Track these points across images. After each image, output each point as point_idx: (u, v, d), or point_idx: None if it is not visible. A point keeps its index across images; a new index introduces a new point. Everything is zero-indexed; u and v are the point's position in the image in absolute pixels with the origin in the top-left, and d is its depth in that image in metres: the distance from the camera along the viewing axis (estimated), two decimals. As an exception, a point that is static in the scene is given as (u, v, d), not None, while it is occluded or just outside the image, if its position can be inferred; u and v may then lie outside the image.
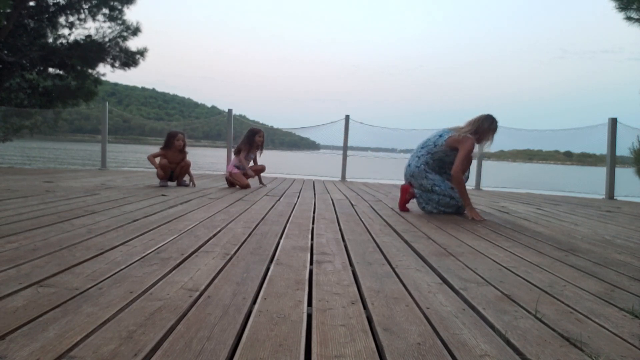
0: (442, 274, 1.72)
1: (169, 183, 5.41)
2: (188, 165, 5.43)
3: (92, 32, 11.28)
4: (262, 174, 6.07)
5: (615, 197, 7.25)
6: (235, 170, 5.57)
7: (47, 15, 10.94)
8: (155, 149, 5.51)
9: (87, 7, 11.05)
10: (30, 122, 10.91)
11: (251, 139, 5.69)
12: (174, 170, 5.37)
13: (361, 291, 1.45)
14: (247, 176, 5.60)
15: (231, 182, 5.57)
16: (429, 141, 3.79)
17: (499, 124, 3.80)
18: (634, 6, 7.66)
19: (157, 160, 5.31)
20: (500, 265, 1.93)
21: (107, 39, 11.22)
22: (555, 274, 1.80)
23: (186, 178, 5.53)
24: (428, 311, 1.28)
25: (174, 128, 6.00)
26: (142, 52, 11.66)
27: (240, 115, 10.40)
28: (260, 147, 5.81)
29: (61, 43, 11.22)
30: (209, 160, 11.17)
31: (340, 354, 0.97)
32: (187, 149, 5.54)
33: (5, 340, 0.97)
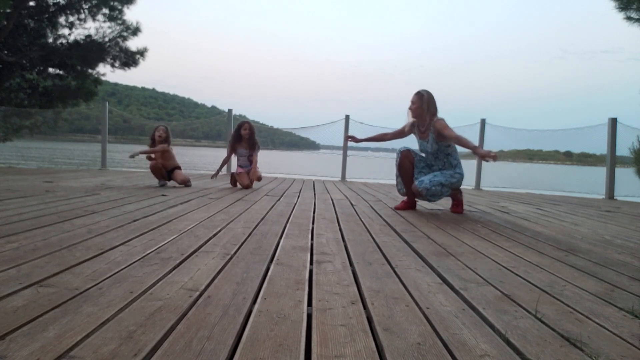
0: (442, 274, 1.72)
1: (168, 182, 5.41)
2: (165, 150, 5.25)
3: (92, 32, 11.30)
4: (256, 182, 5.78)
5: (615, 197, 7.25)
6: (240, 170, 5.57)
7: (47, 15, 10.94)
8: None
9: (87, 7, 11.05)
10: (30, 122, 10.92)
11: (237, 132, 5.58)
12: (170, 170, 5.36)
13: (361, 291, 1.45)
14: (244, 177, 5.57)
15: (235, 181, 5.58)
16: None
17: (499, 123, 3.89)
18: (634, 6, 7.66)
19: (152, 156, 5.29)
20: (500, 265, 1.93)
21: (107, 39, 11.23)
22: (555, 274, 1.80)
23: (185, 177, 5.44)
24: (428, 311, 1.28)
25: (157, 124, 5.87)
26: (142, 52, 11.67)
27: (240, 115, 10.41)
28: (249, 140, 5.52)
29: (61, 43, 11.22)
30: (208, 160, 11.17)
31: (340, 354, 0.97)
32: (186, 149, 5.52)
33: (5, 340, 0.97)
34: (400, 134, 3.99)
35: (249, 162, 5.61)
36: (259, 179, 5.79)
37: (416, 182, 3.71)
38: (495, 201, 5.27)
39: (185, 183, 5.29)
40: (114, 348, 0.95)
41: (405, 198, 3.95)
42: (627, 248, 2.51)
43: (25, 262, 1.61)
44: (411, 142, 3.98)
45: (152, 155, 5.28)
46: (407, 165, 3.85)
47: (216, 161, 10.48)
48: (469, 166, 8.04)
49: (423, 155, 3.89)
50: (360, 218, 3.22)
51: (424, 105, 3.71)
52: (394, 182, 4.08)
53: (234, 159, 5.98)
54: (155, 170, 5.26)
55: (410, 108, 3.78)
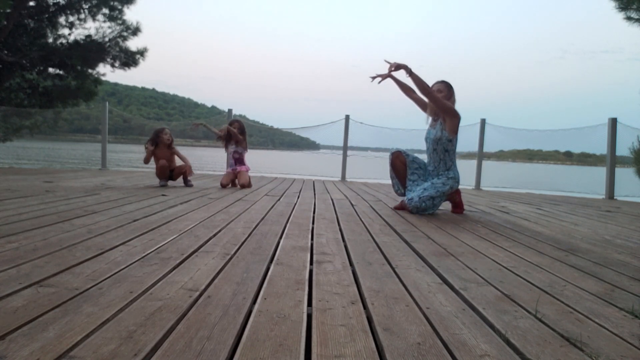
0: (442, 274, 1.72)
1: (171, 182, 5.43)
2: (188, 168, 5.42)
3: (92, 32, 11.30)
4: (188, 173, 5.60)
5: (615, 197, 7.25)
6: (228, 170, 5.69)
7: (47, 15, 10.94)
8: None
9: (87, 7, 11.05)
10: (30, 122, 10.92)
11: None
12: (172, 170, 5.38)
13: (361, 291, 1.45)
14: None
15: (233, 183, 5.60)
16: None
17: (499, 123, 3.91)
18: (634, 6, 7.66)
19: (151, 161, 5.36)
20: (500, 265, 1.93)
21: (107, 39, 11.23)
22: (555, 274, 1.80)
23: (190, 177, 5.52)
24: (428, 311, 1.28)
25: (159, 126, 5.90)
26: (142, 52, 11.67)
27: (240, 115, 10.41)
28: (233, 138, 5.60)
29: (61, 43, 11.22)
30: (208, 161, 11.17)
31: (340, 354, 0.97)
32: (186, 149, 5.57)
33: (5, 340, 0.97)
34: (423, 104, 3.90)
35: (234, 160, 5.69)
36: (248, 184, 5.59)
37: (405, 199, 3.73)
38: (495, 201, 5.27)
39: (187, 174, 5.37)
40: (114, 348, 0.95)
41: (404, 198, 3.96)
42: (627, 248, 2.51)
43: (25, 262, 1.61)
44: (417, 138, 3.98)
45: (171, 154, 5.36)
46: (398, 166, 3.91)
47: (215, 161, 10.52)
48: (469, 166, 8.07)
49: (416, 156, 3.92)
50: (360, 218, 3.22)
51: (452, 96, 3.74)
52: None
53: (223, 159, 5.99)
54: (162, 171, 5.26)
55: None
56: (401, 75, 3.70)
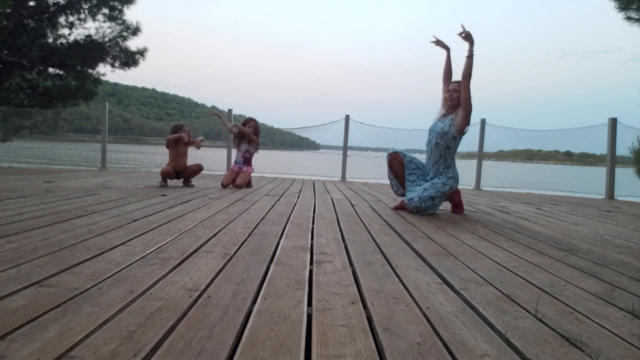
0: (442, 274, 1.72)
1: (171, 181, 5.42)
2: (199, 169, 5.44)
3: (92, 32, 11.30)
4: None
5: (615, 197, 7.25)
6: (234, 167, 5.65)
7: (47, 15, 10.94)
8: (158, 149, 5.55)
9: (87, 7, 11.05)
10: (30, 122, 10.92)
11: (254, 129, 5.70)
12: (181, 172, 5.37)
13: (361, 291, 1.45)
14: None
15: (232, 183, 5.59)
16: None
17: (499, 123, 3.91)
18: (634, 6, 7.66)
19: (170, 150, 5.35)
20: (500, 265, 1.93)
21: (107, 39, 11.23)
22: (555, 274, 1.80)
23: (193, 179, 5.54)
24: (428, 311, 1.28)
25: (179, 122, 5.91)
26: (142, 52, 11.67)
27: (240, 115, 10.41)
28: (246, 137, 5.63)
29: (61, 43, 11.22)
30: (208, 160, 11.16)
31: (340, 354, 0.97)
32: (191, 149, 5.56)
33: (5, 340, 0.97)
34: (446, 82, 3.88)
35: (243, 159, 5.65)
36: (249, 184, 5.68)
37: (405, 200, 3.73)
38: (495, 201, 5.27)
39: (194, 172, 5.39)
40: (114, 348, 0.95)
41: (404, 198, 3.96)
42: (627, 248, 2.51)
43: (25, 262, 1.61)
44: (417, 138, 3.99)
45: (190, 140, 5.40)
46: (396, 166, 3.92)
47: (215, 161, 10.51)
48: (468, 166, 8.07)
49: (414, 156, 3.93)
50: (360, 218, 3.22)
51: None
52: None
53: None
54: (167, 176, 5.24)
55: (452, 95, 3.72)
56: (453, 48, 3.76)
